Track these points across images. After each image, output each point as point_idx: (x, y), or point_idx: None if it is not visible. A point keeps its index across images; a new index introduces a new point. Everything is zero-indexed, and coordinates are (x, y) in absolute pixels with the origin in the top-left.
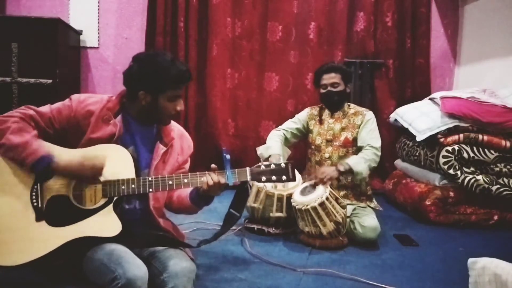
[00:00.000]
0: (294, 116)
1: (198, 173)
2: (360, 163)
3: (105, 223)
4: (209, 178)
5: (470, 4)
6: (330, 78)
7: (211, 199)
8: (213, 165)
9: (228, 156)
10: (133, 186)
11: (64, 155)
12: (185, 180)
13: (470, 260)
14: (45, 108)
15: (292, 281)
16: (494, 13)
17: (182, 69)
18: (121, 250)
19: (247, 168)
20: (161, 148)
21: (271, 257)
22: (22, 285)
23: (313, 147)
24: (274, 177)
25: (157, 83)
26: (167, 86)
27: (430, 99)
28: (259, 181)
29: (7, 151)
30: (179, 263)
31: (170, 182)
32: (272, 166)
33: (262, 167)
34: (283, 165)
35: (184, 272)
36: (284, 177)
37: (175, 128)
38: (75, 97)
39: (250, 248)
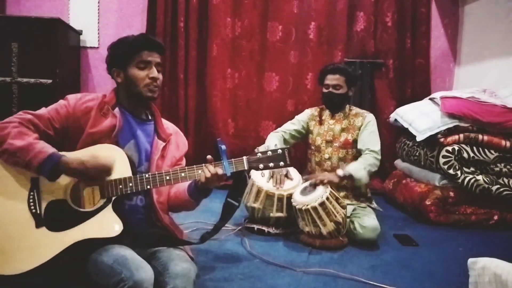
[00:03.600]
0: (294, 116)
1: (194, 166)
2: (361, 170)
3: (106, 224)
4: (206, 171)
5: (470, 4)
6: (333, 79)
7: (209, 192)
8: (208, 156)
9: (223, 147)
10: (130, 184)
11: (71, 153)
12: (182, 174)
13: (470, 260)
14: (42, 111)
15: (292, 281)
16: (494, 13)
17: (139, 36)
18: (127, 253)
19: (244, 157)
20: (160, 143)
21: (271, 257)
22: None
23: (313, 147)
24: (271, 164)
25: (120, 55)
26: (128, 54)
27: (430, 99)
28: (257, 169)
29: (10, 156)
30: (179, 264)
31: (168, 177)
32: (269, 153)
33: (259, 154)
34: (279, 151)
35: (184, 272)
36: (281, 163)
37: (170, 126)
38: (71, 96)
39: (250, 248)
